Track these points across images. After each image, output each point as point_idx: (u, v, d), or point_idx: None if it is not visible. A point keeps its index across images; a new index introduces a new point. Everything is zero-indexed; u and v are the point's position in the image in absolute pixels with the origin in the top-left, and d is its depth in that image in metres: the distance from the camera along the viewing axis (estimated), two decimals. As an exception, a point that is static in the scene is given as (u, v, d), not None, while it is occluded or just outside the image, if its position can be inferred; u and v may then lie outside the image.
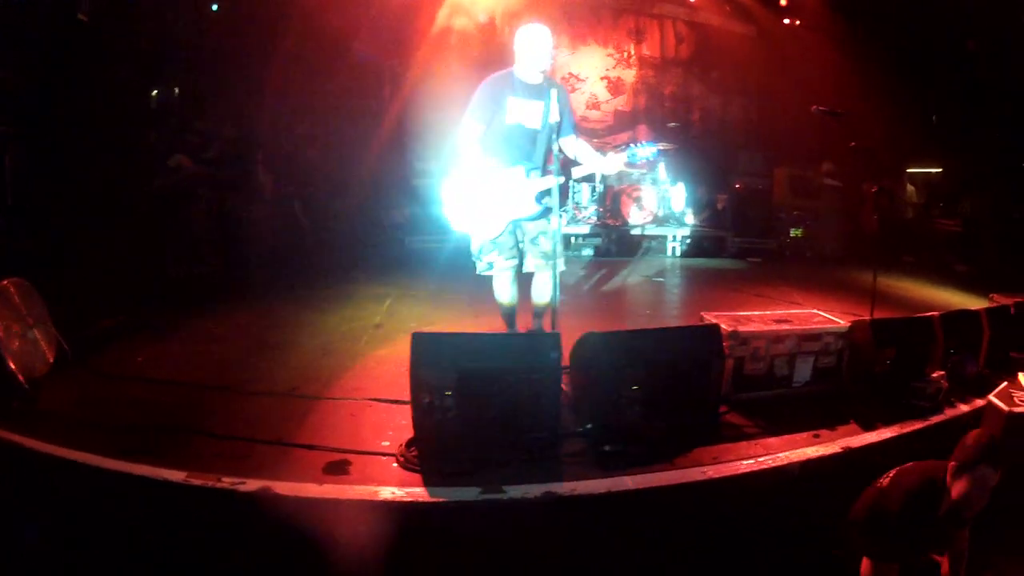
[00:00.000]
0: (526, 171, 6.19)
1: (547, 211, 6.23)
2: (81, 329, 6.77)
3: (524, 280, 6.60)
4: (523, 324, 6.84)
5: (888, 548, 4.13)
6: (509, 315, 6.72)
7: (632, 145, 6.14)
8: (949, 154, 16.73)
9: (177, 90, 12.69)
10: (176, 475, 4.34)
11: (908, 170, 17.78)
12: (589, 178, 14.07)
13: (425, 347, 4.64)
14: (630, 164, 6.37)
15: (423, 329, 6.21)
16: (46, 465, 4.56)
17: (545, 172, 6.21)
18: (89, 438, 4.74)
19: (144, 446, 4.70)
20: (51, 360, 6.18)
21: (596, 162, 6.44)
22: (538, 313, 6.67)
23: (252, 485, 4.27)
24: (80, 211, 9.26)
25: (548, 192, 6.11)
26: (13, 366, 5.56)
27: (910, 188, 17.76)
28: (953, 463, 4.00)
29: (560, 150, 6.30)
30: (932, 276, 13.09)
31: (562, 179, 5.97)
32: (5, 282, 5.97)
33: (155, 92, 12.44)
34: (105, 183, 9.83)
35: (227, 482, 4.29)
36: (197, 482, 4.30)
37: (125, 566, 4.18)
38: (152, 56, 11.70)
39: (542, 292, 6.48)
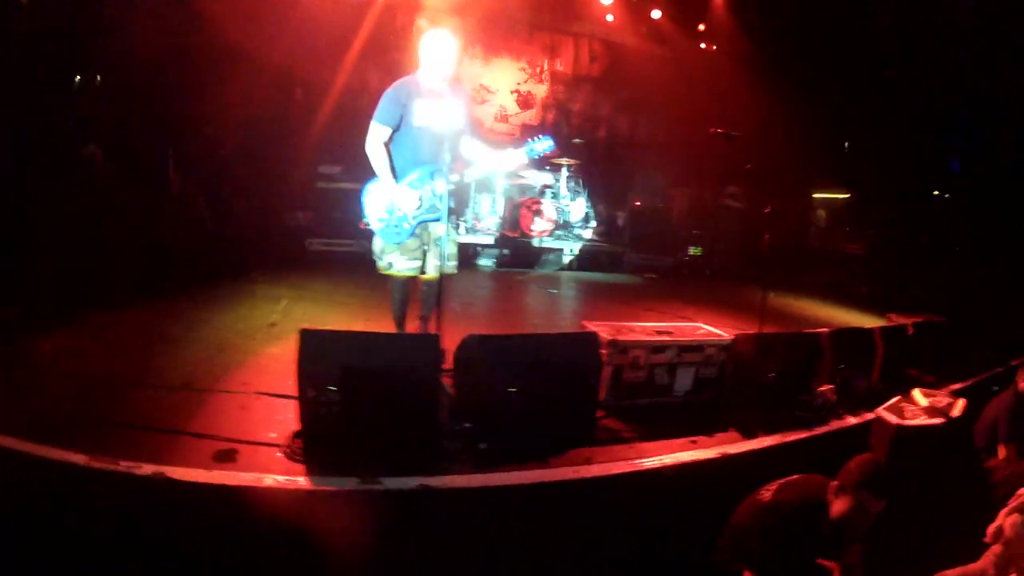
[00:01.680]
0: (432, 173, 6.36)
1: (449, 212, 6.29)
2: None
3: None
4: (412, 327, 6.99)
5: (770, 563, 4.19)
6: (400, 315, 6.88)
7: (530, 140, 6.34)
8: (859, 180, 17.37)
9: (99, 78, 12.69)
10: (79, 458, 4.54)
11: (817, 195, 18.32)
12: (490, 188, 14.39)
13: (312, 343, 4.85)
14: (529, 158, 6.52)
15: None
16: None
17: (451, 174, 6.27)
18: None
19: (46, 432, 4.84)
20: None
21: (494, 159, 6.67)
22: (424, 316, 6.86)
23: (147, 469, 4.49)
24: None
25: (447, 194, 6.22)
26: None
27: (820, 212, 18.29)
28: (835, 483, 4.17)
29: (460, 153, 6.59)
30: (833, 296, 13.64)
31: (452, 186, 6.18)
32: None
33: (78, 78, 12.43)
34: (16, 167, 9.86)
35: (124, 466, 4.50)
36: (97, 465, 4.50)
37: (25, 546, 4.33)
38: (74, 40, 11.71)
39: (429, 294, 6.70)
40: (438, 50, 6.32)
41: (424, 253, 6.59)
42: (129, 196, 11.49)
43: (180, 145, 13.11)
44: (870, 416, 6.56)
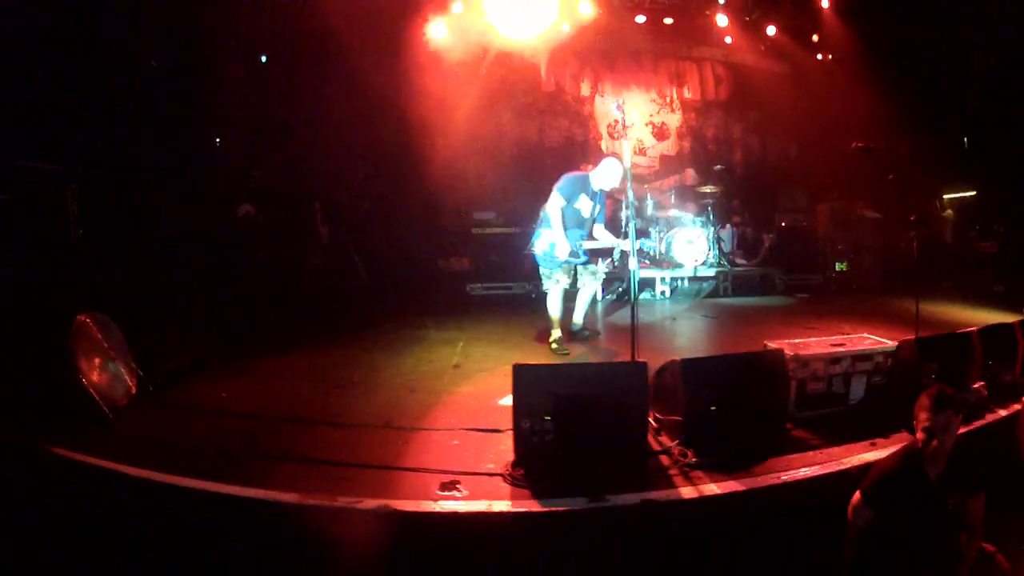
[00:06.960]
0: (580, 236, 8.99)
1: (587, 260, 9.16)
2: (155, 364, 7.15)
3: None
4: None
5: (878, 494, 4.45)
6: (557, 317, 9.10)
7: (644, 239, 10.38)
8: (983, 176, 16.88)
9: (240, 138, 13.16)
10: (289, 496, 4.66)
11: (945, 196, 17.81)
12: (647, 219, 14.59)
13: (525, 377, 5.12)
14: (641, 251, 9.01)
15: (499, 369, 6.93)
16: (142, 490, 4.86)
17: (590, 239, 9.14)
18: (180, 465, 5.05)
19: (236, 472, 5.03)
20: (133, 391, 6.53)
21: (613, 242, 9.49)
22: (577, 322, 9.53)
23: (370, 503, 4.57)
24: (147, 251, 9.75)
25: (596, 250, 9.43)
26: (94, 394, 5.88)
27: (948, 212, 17.77)
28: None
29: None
30: (971, 298, 13.37)
31: (623, 244, 9.08)
32: (83, 317, 6.30)
33: (218, 140, 12.92)
34: (172, 224, 10.29)
35: (343, 501, 4.59)
36: (312, 502, 4.60)
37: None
38: (214, 104, 12.20)
39: (584, 300, 9.46)
40: (611, 172, 8.87)
41: (575, 276, 9.19)
42: (283, 249, 11.90)
43: (327, 199, 13.50)
44: (1017, 407, 6.58)
